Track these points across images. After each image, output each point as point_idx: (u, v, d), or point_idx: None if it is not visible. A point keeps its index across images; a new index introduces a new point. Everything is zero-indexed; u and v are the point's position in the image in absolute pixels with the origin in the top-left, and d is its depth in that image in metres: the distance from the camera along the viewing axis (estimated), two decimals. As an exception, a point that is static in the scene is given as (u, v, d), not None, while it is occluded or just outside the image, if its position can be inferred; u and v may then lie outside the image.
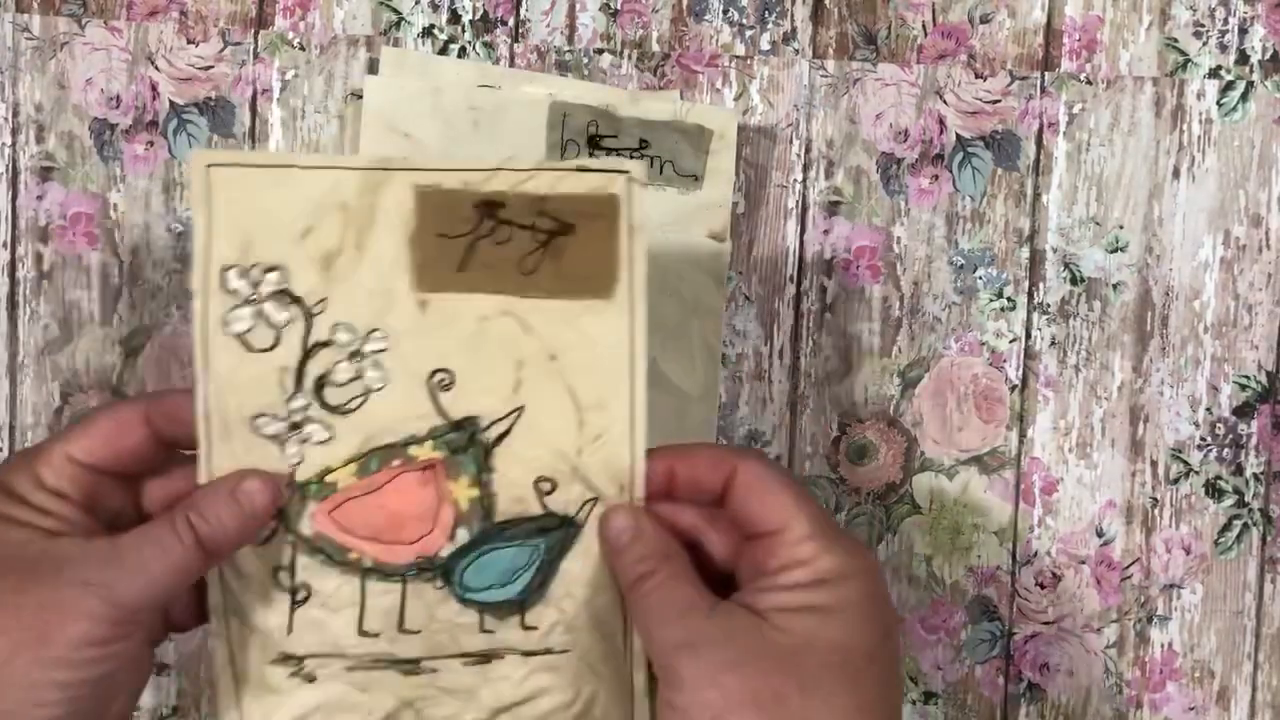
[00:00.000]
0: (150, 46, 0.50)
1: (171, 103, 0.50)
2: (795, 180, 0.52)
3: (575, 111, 0.50)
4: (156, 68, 0.50)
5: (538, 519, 0.39)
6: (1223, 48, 0.52)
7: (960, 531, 0.52)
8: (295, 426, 0.38)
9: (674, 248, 0.50)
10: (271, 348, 0.37)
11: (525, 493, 0.39)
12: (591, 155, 0.50)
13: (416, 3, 0.51)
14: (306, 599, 0.39)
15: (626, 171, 0.37)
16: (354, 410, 0.38)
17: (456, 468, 0.38)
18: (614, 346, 0.38)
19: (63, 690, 0.34)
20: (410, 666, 0.39)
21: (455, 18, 0.51)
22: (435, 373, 0.38)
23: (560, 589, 0.39)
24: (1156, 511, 0.53)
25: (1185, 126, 0.52)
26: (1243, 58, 0.52)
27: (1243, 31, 0.52)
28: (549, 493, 0.39)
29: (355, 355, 0.38)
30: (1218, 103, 0.52)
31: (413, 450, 0.38)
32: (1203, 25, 0.52)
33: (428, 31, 0.51)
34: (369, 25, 0.51)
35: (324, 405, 0.38)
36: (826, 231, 0.52)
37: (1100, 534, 0.53)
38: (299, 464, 0.38)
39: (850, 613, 0.36)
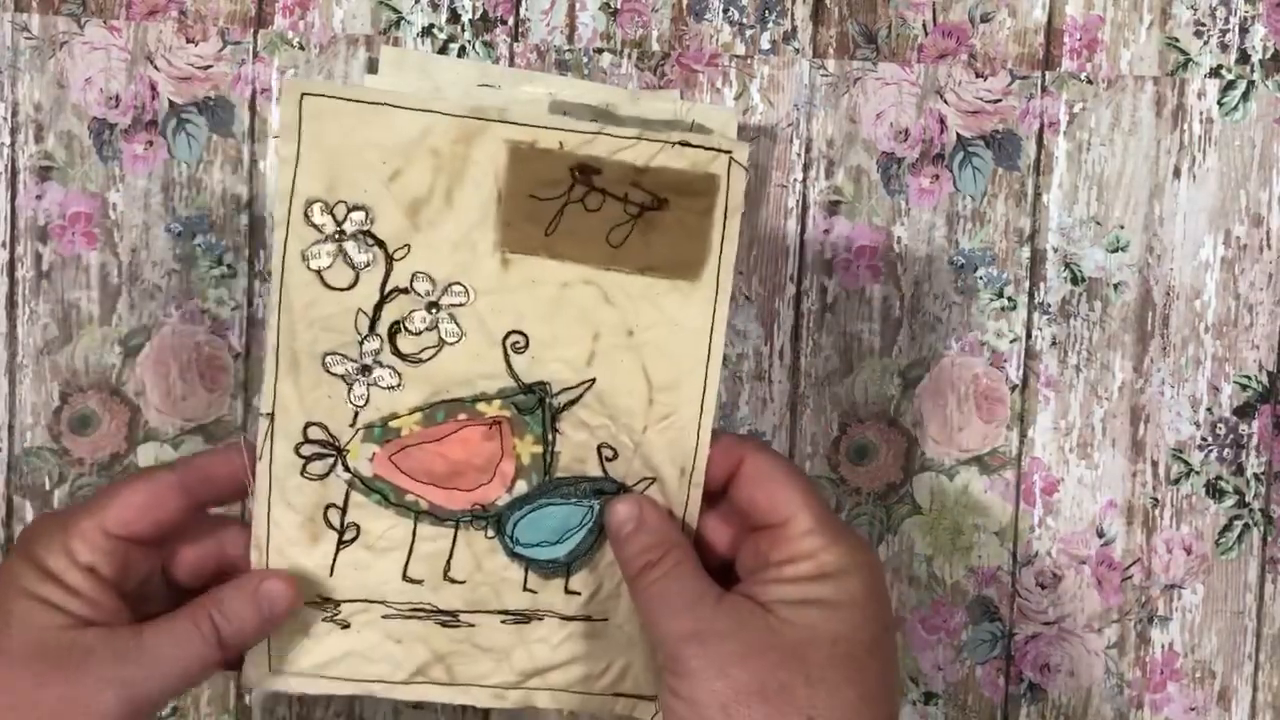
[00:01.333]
0: (149, 46, 0.50)
1: (171, 102, 0.50)
2: (795, 180, 0.52)
3: (575, 111, 0.50)
4: (156, 67, 0.50)
5: (596, 480, 0.39)
6: (1223, 47, 0.52)
7: (961, 532, 0.52)
8: (365, 369, 0.38)
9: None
10: (349, 287, 0.37)
11: (588, 454, 0.39)
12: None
13: (416, 2, 0.51)
14: (354, 539, 0.39)
15: (729, 152, 0.36)
16: (425, 361, 0.38)
17: (522, 427, 0.38)
18: (695, 329, 0.37)
19: None
20: (449, 618, 0.40)
21: (455, 17, 0.51)
22: (511, 334, 0.38)
23: (606, 557, 0.39)
24: (1157, 512, 0.53)
25: (1186, 126, 0.52)
26: (1243, 57, 0.52)
27: (1243, 31, 0.52)
28: (610, 460, 0.39)
29: (433, 306, 0.37)
30: (1218, 102, 0.52)
31: (480, 406, 0.38)
32: (1203, 25, 0.52)
33: (427, 31, 0.51)
34: (368, 24, 0.51)
35: (396, 352, 0.38)
36: (827, 231, 0.52)
37: (1101, 534, 0.53)
38: (364, 405, 0.38)
39: (853, 607, 0.36)
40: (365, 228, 0.37)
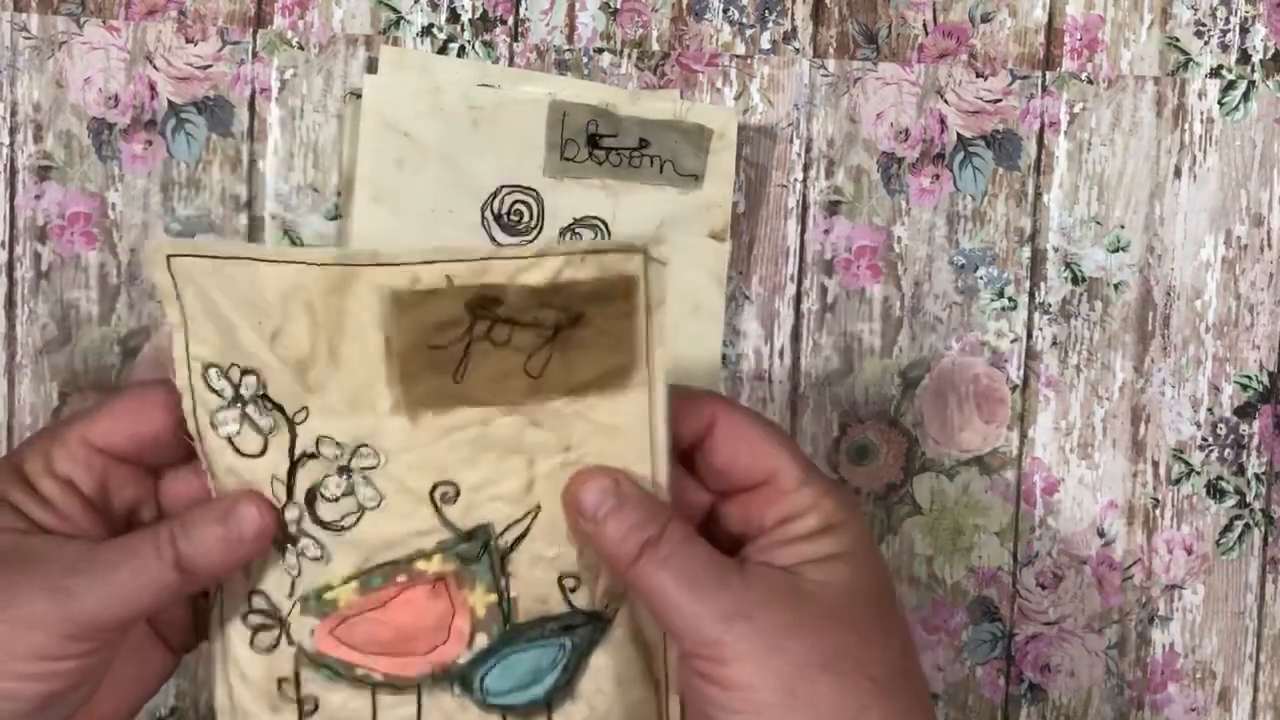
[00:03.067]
0: (149, 46, 0.50)
1: (170, 102, 0.50)
2: (795, 180, 0.52)
3: (575, 111, 0.50)
4: (155, 67, 0.50)
5: (562, 617, 0.35)
6: (1224, 47, 0.52)
7: (961, 532, 0.52)
8: (291, 539, 0.34)
9: (674, 248, 0.50)
10: (260, 454, 0.34)
11: (549, 591, 0.35)
12: (591, 154, 0.50)
13: (415, 2, 0.51)
14: (314, 710, 0.35)
15: (642, 250, 0.32)
16: (349, 528, 0.34)
17: (471, 578, 0.34)
18: (633, 428, 0.34)
19: (5, 701, 0.31)
20: None
21: (454, 17, 0.51)
22: (437, 485, 0.34)
23: (590, 685, 0.36)
24: (1158, 512, 0.53)
25: (1187, 126, 0.52)
26: (1244, 57, 0.52)
27: (1244, 31, 0.52)
28: (573, 590, 0.35)
29: (344, 471, 0.34)
30: (1219, 102, 0.52)
31: (420, 565, 0.34)
32: (1204, 25, 0.52)
33: (427, 30, 0.51)
34: (368, 24, 0.51)
35: (316, 520, 0.34)
36: (827, 231, 0.52)
37: (1101, 534, 0.53)
38: (298, 575, 0.34)
39: (866, 554, 0.34)
40: (260, 392, 0.33)
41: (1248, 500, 0.53)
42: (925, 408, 0.52)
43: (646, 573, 0.33)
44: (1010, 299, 0.52)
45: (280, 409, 0.33)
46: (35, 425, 0.51)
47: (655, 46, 0.51)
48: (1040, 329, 0.52)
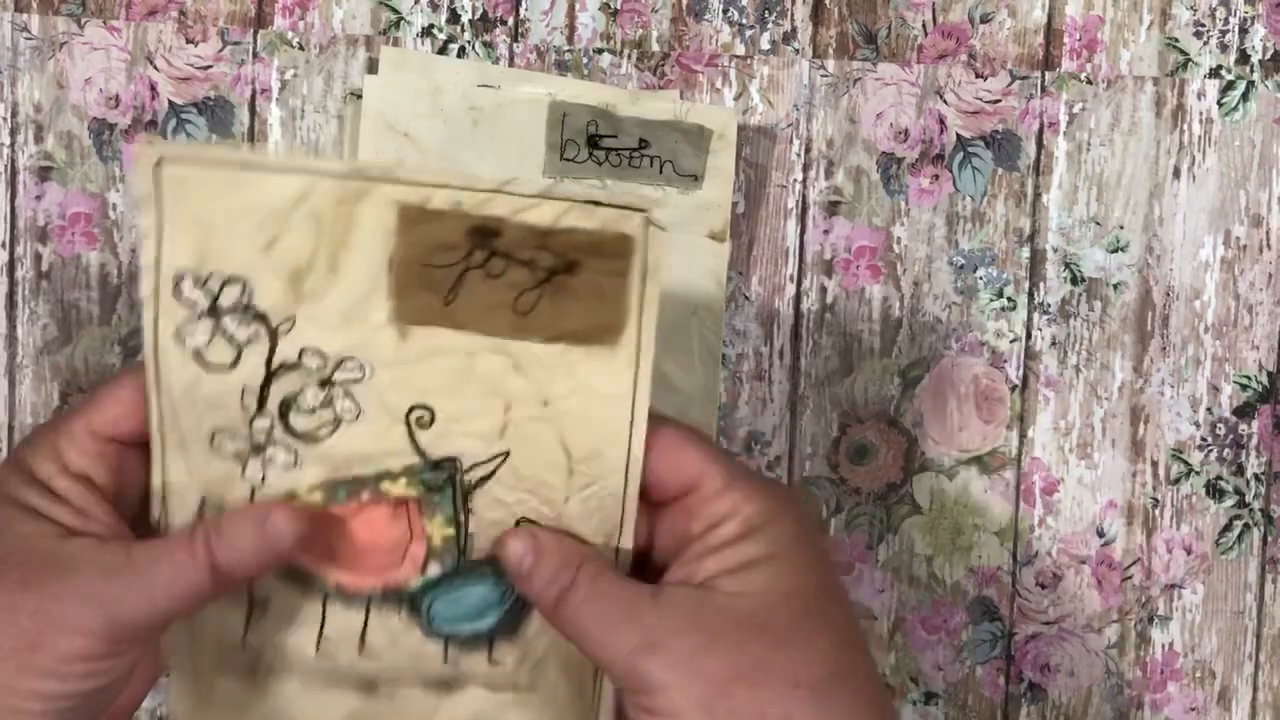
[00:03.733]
0: (149, 46, 0.50)
1: (171, 102, 0.50)
2: (795, 180, 0.52)
3: (575, 111, 0.50)
4: (155, 67, 0.50)
5: None
6: (1223, 47, 0.52)
7: (961, 532, 0.52)
8: (257, 448, 0.34)
9: (674, 248, 0.50)
10: (232, 365, 0.34)
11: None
12: (591, 155, 0.50)
13: (416, 2, 0.51)
14: (265, 612, 0.36)
15: (644, 210, 0.33)
16: (323, 439, 0.34)
17: (432, 506, 0.35)
18: (615, 396, 0.34)
19: (44, 701, 0.32)
20: (368, 685, 0.37)
21: (455, 17, 0.51)
22: (414, 408, 0.34)
23: (532, 628, 0.36)
24: (1157, 512, 0.53)
25: (1186, 126, 0.52)
26: (1243, 57, 0.52)
27: (1243, 31, 0.52)
28: None
29: (325, 383, 0.34)
30: (1218, 102, 0.52)
31: (385, 485, 0.35)
32: (1203, 25, 0.52)
33: (427, 31, 0.51)
34: (368, 25, 0.51)
35: (289, 430, 0.34)
36: (826, 231, 0.52)
37: (1101, 534, 0.53)
38: (260, 483, 0.35)
39: (792, 554, 0.34)
40: (243, 301, 0.33)
41: (1247, 500, 0.53)
42: (925, 408, 0.52)
43: (566, 618, 0.34)
44: (1009, 299, 0.52)
45: (263, 318, 0.33)
46: (36, 425, 0.51)
47: (655, 47, 0.51)
48: (1039, 329, 0.52)
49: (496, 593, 0.36)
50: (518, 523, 0.35)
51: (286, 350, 0.34)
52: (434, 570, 0.36)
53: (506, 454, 0.35)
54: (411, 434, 0.34)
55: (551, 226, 0.33)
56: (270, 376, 0.34)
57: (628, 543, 0.35)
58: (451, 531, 0.35)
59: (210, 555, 0.33)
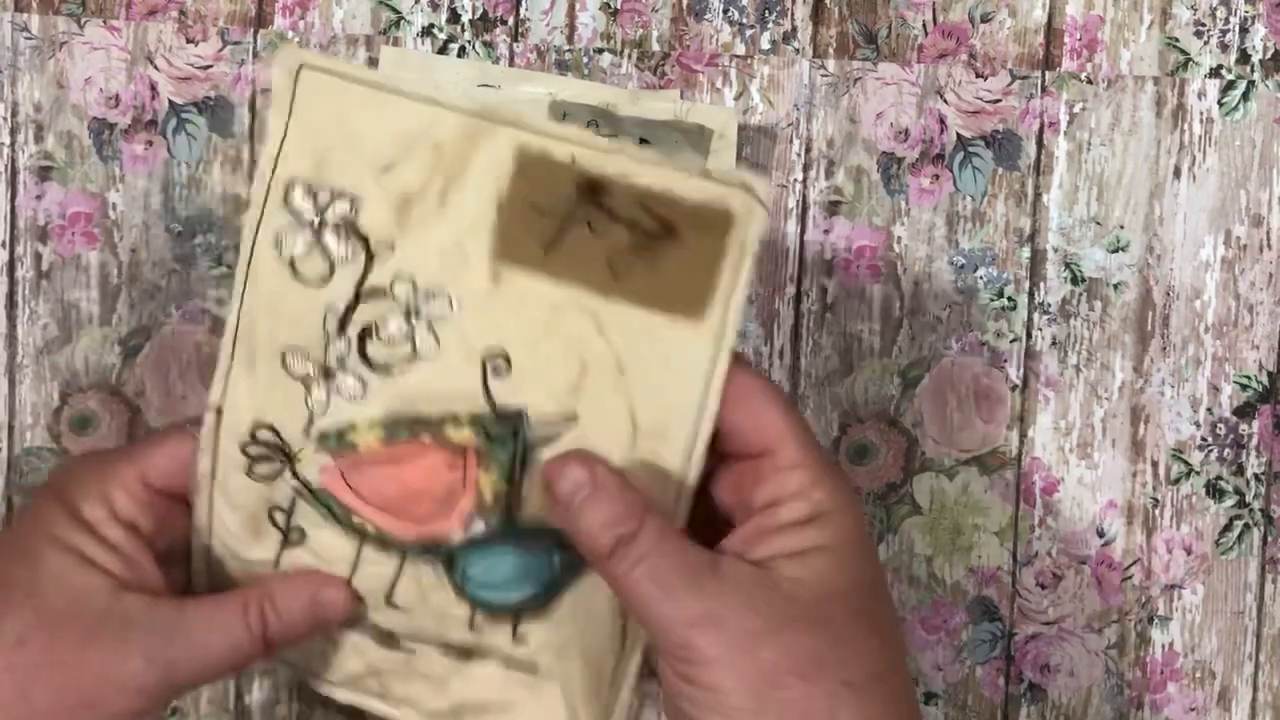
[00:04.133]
0: (149, 46, 0.50)
1: (171, 102, 0.50)
2: (795, 180, 0.52)
3: (575, 111, 0.50)
4: (156, 67, 0.50)
5: (559, 533, 0.35)
6: (1224, 47, 0.52)
7: (961, 531, 0.52)
8: (328, 373, 0.34)
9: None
10: (322, 282, 0.34)
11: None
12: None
13: (416, 2, 0.51)
14: (298, 543, 0.36)
15: (752, 189, 0.33)
16: (395, 372, 0.34)
17: (489, 459, 0.34)
18: (691, 375, 0.34)
19: None
20: (387, 638, 0.37)
21: (455, 17, 0.51)
22: (492, 354, 0.34)
23: (562, 611, 0.36)
24: (1157, 512, 0.53)
25: (1186, 126, 0.52)
26: (1244, 57, 0.52)
27: (1244, 31, 0.52)
28: None
29: (411, 314, 0.34)
30: (1219, 102, 0.52)
31: (448, 430, 0.34)
32: (1204, 25, 0.52)
33: (427, 31, 0.51)
34: (368, 24, 0.51)
35: (364, 358, 0.34)
36: (827, 231, 0.52)
37: (1101, 534, 0.53)
38: (323, 411, 0.35)
39: (853, 548, 0.33)
40: (349, 219, 0.33)
41: (1247, 500, 0.53)
42: (925, 407, 0.52)
43: (620, 570, 0.32)
44: (1010, 299, 0.52)
45: (364, 240, 0.33)
46: (36, 425, 0.51)
47: (655, 47, 0.51)
48: (1040, 329, 0.52)
49: (535, 566, 0.35)
50: None
51: (379, 276, 0.34)
52: (478, 528, 0.35)
53: (574, 416, 0.34)
54: (485, 379, 0.34)
55: (659, 191, 0.33)
56: (358, 300, 0.34)
57: (682, 521, 0.35)
58: (504, 488, 0.35)
59: (264, 625, 0.34)
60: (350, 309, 0.34)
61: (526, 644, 0.36)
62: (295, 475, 0.35)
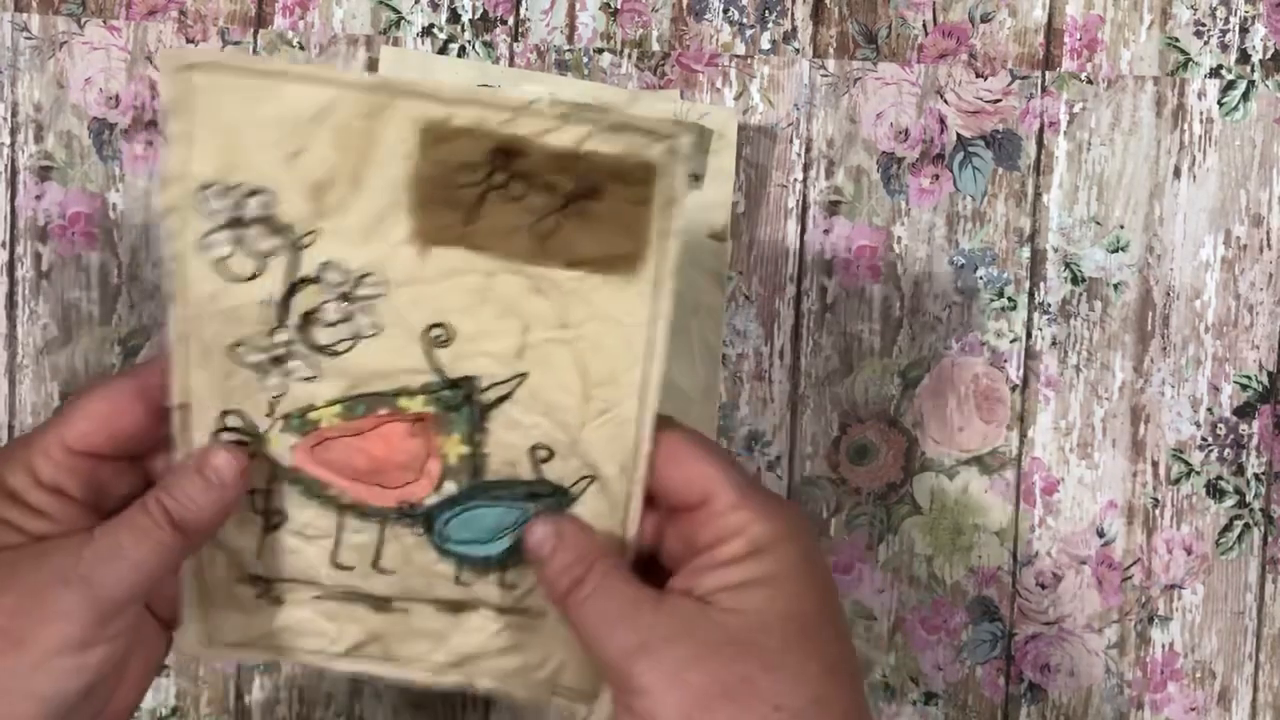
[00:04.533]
0: (149, 46, 0.50)
1: (171, 102, 0.50)
2: (795, 180, 0.52)
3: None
4: (156, 67, 0.50)
5: (530, 484, 0.36)
6: (1224, 47, 0.52)
7: (961, 532, 0.52)
8: (277, 360, 0.35)
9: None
10: (253, 277, 0.34)
11: (519, 457, 0.36)
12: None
13: (416, 2, 0.51)
14: (280, 525, 0.37)
15: (670, 137, 0.33)
16: (342, 353, 0.35)
17: (448, 424, 0.35)
18: (633, 324, 0.34)
19: (42, 702, 0.32)
20: (381, 603, 0.38)
21: (455, 17, 0.51)
22: (432, 327, 0.34)
23: None
24: (1157, 512, 0.53)
25: (1186, 126, 0.52)
26: (1244, 57, 0.52)
27: (1244, 31, 0.52)
28: (545, 460, 0.36)
29: (345, 298, 0.34)
30: (1219, 102, 0.52)
31: (403, 402, 0.35)
32: (1204, 24, 0.52)
33: (427, 31, 0.51)
34: (368, 24, 0.51)
35: (309, 344, 0.35)
36: (827, 231, 0.52)
37: (1101, 534, 0.53)
38: (280, 395, 0.35)
39: (793, 578, 0.34)
40: (267, 213, 0.33)
41: (1247, 500, 0.53)
42: (925, 408, 0.52)
43: (571, 608, 0.34)
44: (1010, 299, 0.52)
45: (286, 231, 0.33)
46: (36, 425, 0.51)
47: (655, 47, 0.51)
48: (1040, 329, 0.52)
49: (510, 517, 0.36)
50: (532, 449, 0.36)
51: (308, 264, 0.34)
52: (449, 488, 0.36)
53: (524, 375, 0.35)
54: (429, 352, 0.35)
55: (575, 150, 0.33)
56: (292, 289, 0.34)
57: (641, 473, 0.35)
58: (467, 450, 0.36)
59: (166, 512, 0.34)
60: (286, 299, 0.34)
61: (517, 589, 0.37)
62: (267, 457, 0.36)
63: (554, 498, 0.36)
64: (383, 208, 0.33)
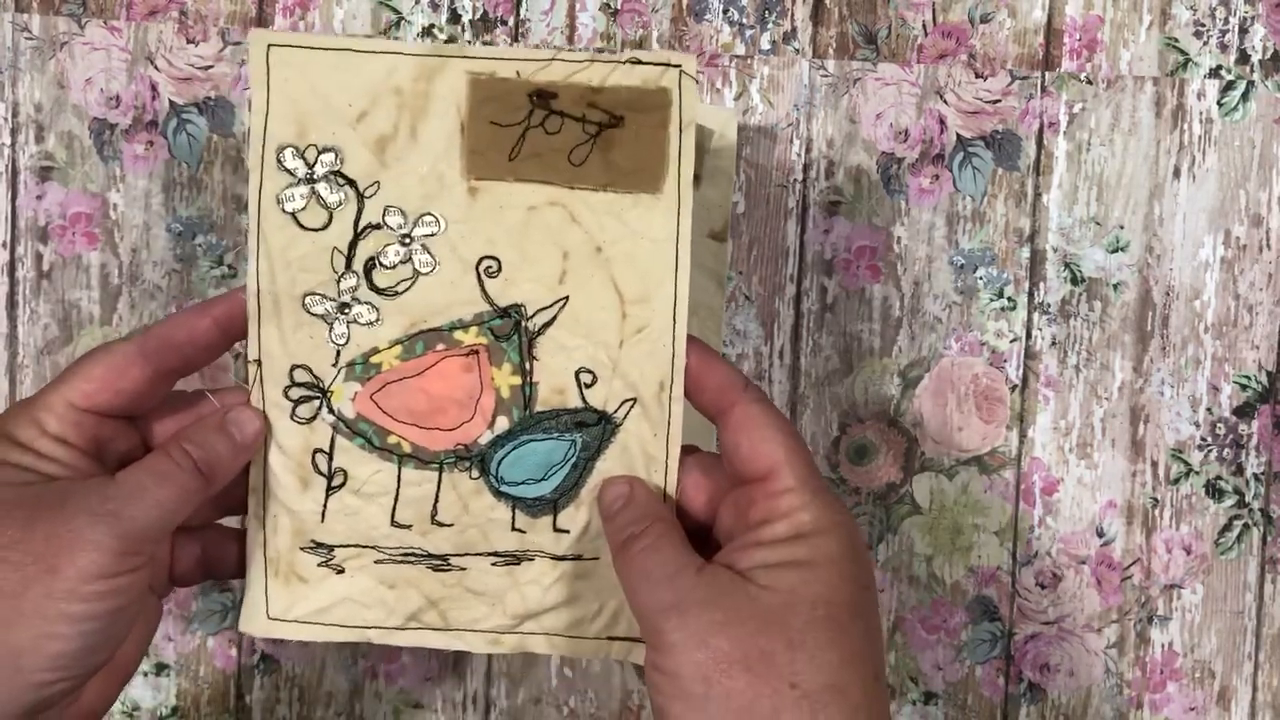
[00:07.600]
0: (150, 46, 0.50)
1: (171, 102, 0.50)
2: (795, 180, 0.52)
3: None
4: (156, 67, 0.50)
5: (576, 412, 0.39)
6: (1223, 47, 0.52)
7: (960, 531, 0.52)
8: (344, 307, 0.39)
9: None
10: (324, 227, 0.38)
11: (566, 383, 0.39)
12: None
13: (416, 2, 0.51)
14: (342, 484, 0.40)
15: (679, 66, 0.38)
16: (402, 293, 0.39)
17: (500, 354, 0.39)
18: (660, 241, 0.38)
19: (73, 624, 0.34)
20: (440, 562, 0.40)
21: (455, 17, 0.51)
22: (483, 259, 0.39)
23: (593, 491, 0.40)
24: (1157, 512, 0.53)
25: (1186, 126, 0.52)
26: (1243, 57, 0.52)
27: (1243, 31, 0.52)
28: (589, 385, 0.39)
29: (406, 239, 0.39)
30: (1218, 102, 0.52)
31: (458, 335, 0.39)
32: (1203, 25, 0.52)
33: (428, 31, 0.51)
34: (369, 24, 0.51)
35: (373, 287, 0.39)
36: (826, 231, 0.52)
37: (1101, 534, 0.53)
38: (345, 343, 0.39)
39: (831, 567, 0.35)
40: (336, 168, 0.38)
41: (1246, 500, 0.53)
42: (925, 408, 0.52)
43: (624, 561, 0.37)
44: (1009, 299, 0.52)
45: (353, 183, 0.38)
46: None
47: (655, 47, 0.51)
48: (1039, 329, 0.52)
49: (559, 451, 0.40)
50: (577, 374, 0.39)
51: (371, 212, 0.39)
52: (502, 424, 0.39)
53: (566, 299, 0.39)
54: (481, 283, 0.39)
55: (600, 85, 0.38)
56: (358, 236, 0.39)
57: (679, 390, 0.39)
58: (518, 380, 0.39)
59: (190, 458, 0.37)
60: (353, 245, 0.39)
61: (569, 534, 0.40)
62: (331, 410, 0.39)
63: (600, 425, 0.39)
64: (438, 154, 0.38)
